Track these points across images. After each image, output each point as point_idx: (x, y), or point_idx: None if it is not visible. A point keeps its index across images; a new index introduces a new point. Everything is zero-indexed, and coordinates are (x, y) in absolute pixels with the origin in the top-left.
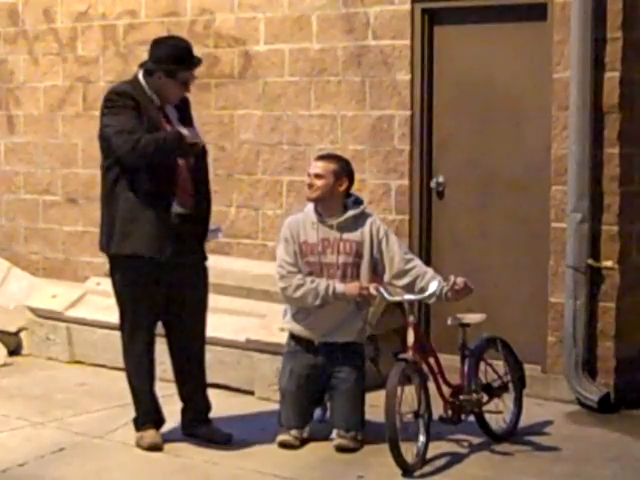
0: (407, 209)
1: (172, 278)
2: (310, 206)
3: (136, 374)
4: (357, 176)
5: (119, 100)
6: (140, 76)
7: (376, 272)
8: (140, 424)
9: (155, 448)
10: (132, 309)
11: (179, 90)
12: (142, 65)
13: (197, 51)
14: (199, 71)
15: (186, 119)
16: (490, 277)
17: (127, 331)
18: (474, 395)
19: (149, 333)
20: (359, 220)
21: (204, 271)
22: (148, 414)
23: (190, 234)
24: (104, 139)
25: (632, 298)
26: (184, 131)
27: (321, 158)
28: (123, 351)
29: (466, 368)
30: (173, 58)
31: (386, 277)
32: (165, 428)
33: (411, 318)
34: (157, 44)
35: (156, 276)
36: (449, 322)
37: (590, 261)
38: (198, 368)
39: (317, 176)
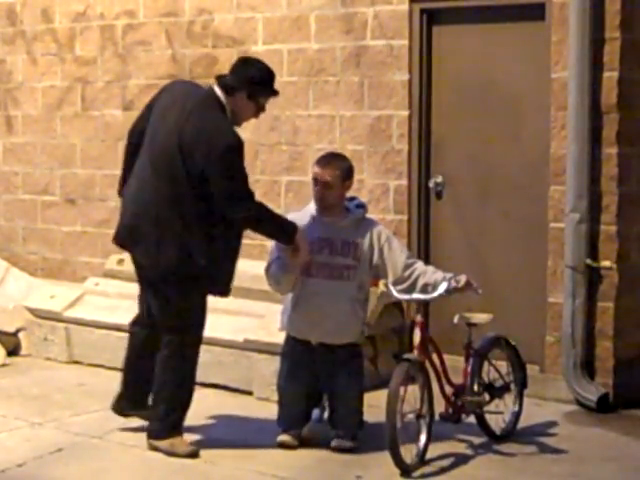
0: (405, 209)
1: None
2: (311, 204)
3: (190, 381)
4: (356, 176)
5: (238, 154)
6: (221, 95)
7: (378, 276)
8: (168, 431)
9: (195, 455)
10: (201, 318)
11: (253, 114)
12: (219, 78)
13: (195, 51)
14: (196, 71)
15: None
16: (489, 277)
17: (193, 337)
18: (476, 397)
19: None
20: (360, 224)
21: None
22: (181, 421)
23: None
24: (223, 192)
25: (630, 298)
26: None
27: (325, 164)
28: (182, 356)
29: (469, 368)
30: (260, 80)
31: (388, 281)
32: None
33: (418, 317)
34: (245, 63)
35: None
36: (455, 321)
37: (588, 261)
38: None
39: (326, 186)
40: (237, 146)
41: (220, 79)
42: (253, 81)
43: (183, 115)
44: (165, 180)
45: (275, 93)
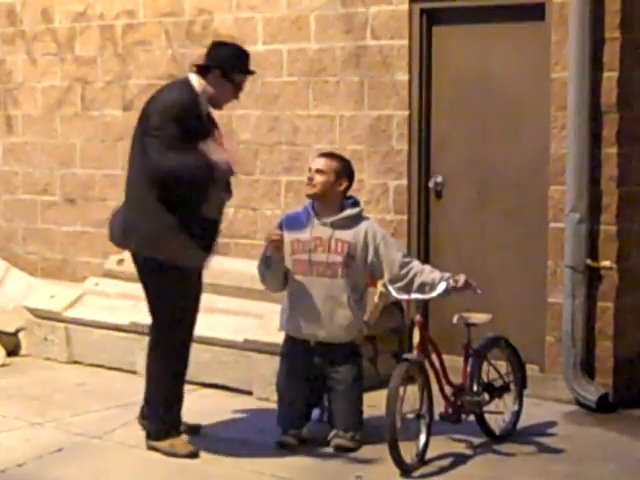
0: (405, 209)
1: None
2: (307, 204)
3: (182, 378)
4: (356, 176)
5: (180, 114)
6: (193, 79)
7: (374, 275)
8: (166, 432)
9: (195, 455)
10: (189, 314)
11: (231, 93)
12: (195, 65)
13: (195, 51)
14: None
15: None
16: (488, 277)
17: (178, 334)
18: (476, 397)
19: (191, 334)
20: (355, 221)
21: None
22: (178, 421)
23: None
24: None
25: (630, 298)
26: (216, 154)
27: (324, 155)
28: (172, 354)
29: (469, 368)
30: (232, 59)
31: (385, 280)
32: None
33: (417, 317)
34: (217, 45)
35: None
36: (455, 321)
37: (588, 261)
38: None
39: (318, 172)
40: (184, 104)
41: (195, 64)
42: (225, 59)
43: (148, 101)
44: (135, 163)
45: (250, 72)
